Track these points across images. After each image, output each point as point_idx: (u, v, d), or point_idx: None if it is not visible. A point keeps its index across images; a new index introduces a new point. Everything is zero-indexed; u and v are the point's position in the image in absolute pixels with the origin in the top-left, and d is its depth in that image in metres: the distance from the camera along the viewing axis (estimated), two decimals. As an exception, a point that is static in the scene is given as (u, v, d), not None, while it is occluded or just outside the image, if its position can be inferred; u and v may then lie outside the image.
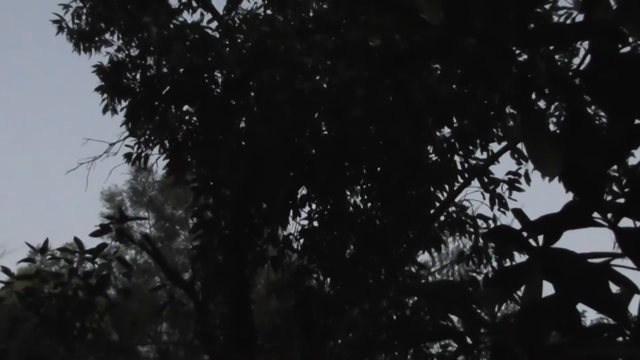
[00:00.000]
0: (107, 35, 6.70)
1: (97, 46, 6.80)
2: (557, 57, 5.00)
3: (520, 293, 1.21)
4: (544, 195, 6.29)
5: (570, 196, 1.17)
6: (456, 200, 5.79)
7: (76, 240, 4.74)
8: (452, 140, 5.37)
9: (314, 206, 5.72)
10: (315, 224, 5.71)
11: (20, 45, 37.42)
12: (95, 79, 6.27)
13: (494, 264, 5.86)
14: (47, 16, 6.71)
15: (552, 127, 5.30)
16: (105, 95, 6.35)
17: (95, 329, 4.60)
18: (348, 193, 5.78)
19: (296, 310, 5.44)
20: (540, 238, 1.18)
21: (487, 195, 5.66)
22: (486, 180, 5.64)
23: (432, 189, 5.48)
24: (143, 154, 6.58)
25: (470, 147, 5.40)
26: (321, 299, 5.49)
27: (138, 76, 6.24)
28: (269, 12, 5.99)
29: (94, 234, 4.73)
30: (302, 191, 5.65)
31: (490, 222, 5.81)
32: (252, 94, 5.77)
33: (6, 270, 4.53)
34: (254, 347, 5.47)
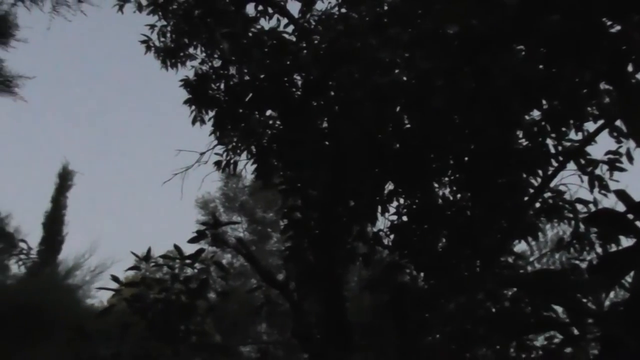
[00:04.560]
0: (191, 50, 6.99)
1: (182, 61, 7.10)
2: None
3: (628, 279, 1.14)
4: (650, 174, 5.86)
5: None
6: (551, 185, 5.52)
7: (176, 247, 4.97)
8: (543, 123, 5.13)
9: (401, 201, 5.66)
10: (405, 218, 5.64)
11: (113, 67, 39.89)
12: (183, 93, 6.56)
13: (598, 249, 5.54)
14: (136, 37, 7.09)
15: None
16: (193, 107, 6.62)
17: (198, 331, 4.79)
18: (436, 185, 5.67)
19: (390, 306, 5.41)
20: (648, 220, 1.10)
21: (585, 178, 5.36)
22: (583, 162, 5.33)
23: (524, 176, 5.26)
24: (232, 161, 6.79)
25: (563, 129, 5.13)
26: (415, 294, 5.42)
27: (222, 86, 6.46)
28: (343, 10, 6.00)
29: (192, 241, 4.93)
30: (389, 186, 5.61)
31: (591, 205, 5.50)
32: (332, 93, 5.80)
33: (115, 279, 4.82)
34: (350, 344, 5.50)
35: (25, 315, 8.64)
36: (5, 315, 8.47)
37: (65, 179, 16.83)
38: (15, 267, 9.57)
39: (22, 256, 9.07)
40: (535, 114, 5.19)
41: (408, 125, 5.31)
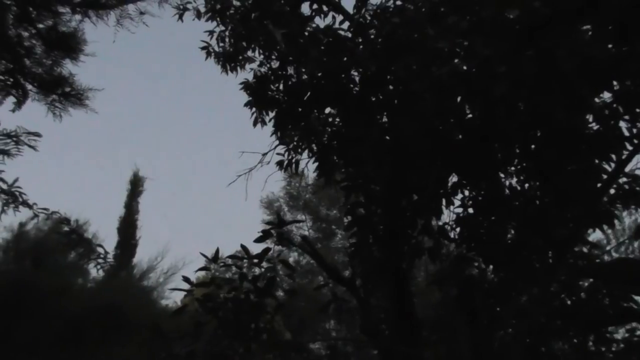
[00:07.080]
0: (249, 53, 7.12)
1: (241, 64, 7.24)
2: None
3: None
4: None
5: None
6: (626, 170, 5.25)
7: (243, 247, 5.06)
8: (614, 105, 4.88)
9: (466, 193, 5.53)
10: (470, 210, 5.51)
11: (176, 75, 41.20)
12: (244, 95, 6.69)
13: (681, 236, 5.23)
14: (196, 44, 7.29)
15: None
16: (253, 109, 6.73)
17: (268, 328, 4.86)
18: (502, 175, 5.51)
19: (459, 301, 5.31)
20: None
21: (663, 161, 5.07)
22: (661, 144, 5.04)
23: (596, 161, 5.03)
24: (293, 160, 6.87)
25: (637, 110, 4.86)
26: (484, 287, 5.29)
27: (281, 87, 6.54)
28: (398, 2, 5.94)
29: (258, 240, 5.00)
30: (453, 178, 5.50)
31: (671, 190, 5.19)
32: (390, 87, 5.75)
33: (186, 280, 4.96)
34: (419, 339, 5.44)
35: (105, 316, 9.08)
36: (86, 316, 8.93)
37: (136, 185, 17.54)
38: (94, 271, 10.06)
39: (100, 260, 9.53)
40: (606, 95, 4.96)
41: (470, 115, 5.18)
